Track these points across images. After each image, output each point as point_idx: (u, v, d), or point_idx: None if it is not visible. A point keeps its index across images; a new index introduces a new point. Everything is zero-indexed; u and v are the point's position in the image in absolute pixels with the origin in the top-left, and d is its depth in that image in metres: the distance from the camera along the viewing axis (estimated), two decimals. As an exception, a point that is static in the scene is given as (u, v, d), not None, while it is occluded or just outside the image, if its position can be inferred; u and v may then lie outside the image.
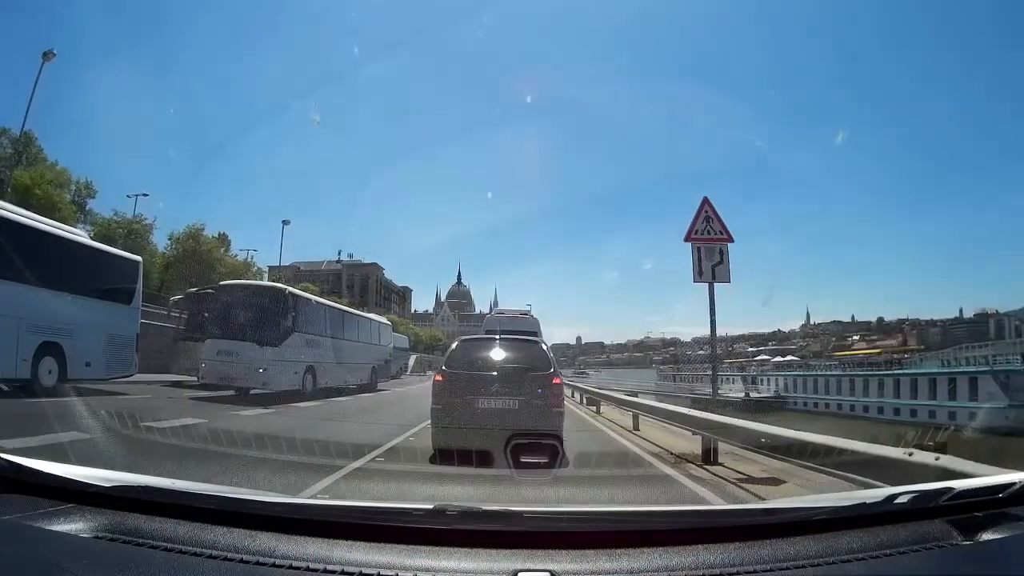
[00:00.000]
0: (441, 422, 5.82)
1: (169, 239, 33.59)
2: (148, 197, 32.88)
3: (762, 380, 41.18)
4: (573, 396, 18.15)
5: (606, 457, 6.78)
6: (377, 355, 21.01)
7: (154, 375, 16.23)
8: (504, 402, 5.70)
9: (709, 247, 7.69)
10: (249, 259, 40.41)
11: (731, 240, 7.83)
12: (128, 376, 12.62)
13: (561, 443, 5.32)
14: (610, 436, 9.17)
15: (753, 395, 36.59)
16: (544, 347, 6.72)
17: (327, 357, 15.97)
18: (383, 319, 25.35)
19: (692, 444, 6.63)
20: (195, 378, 14.66)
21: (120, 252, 13.78)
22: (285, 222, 37.28)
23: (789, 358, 61.39)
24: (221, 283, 15.97)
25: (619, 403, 12.32)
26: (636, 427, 9.71)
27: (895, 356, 39.50)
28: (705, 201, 7.93)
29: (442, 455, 5.25)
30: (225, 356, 13.04)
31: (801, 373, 37.74)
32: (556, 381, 6.12)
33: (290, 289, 15.57)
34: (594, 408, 14.70)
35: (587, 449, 7.22)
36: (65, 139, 61.28)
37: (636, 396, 12.43)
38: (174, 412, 8.19)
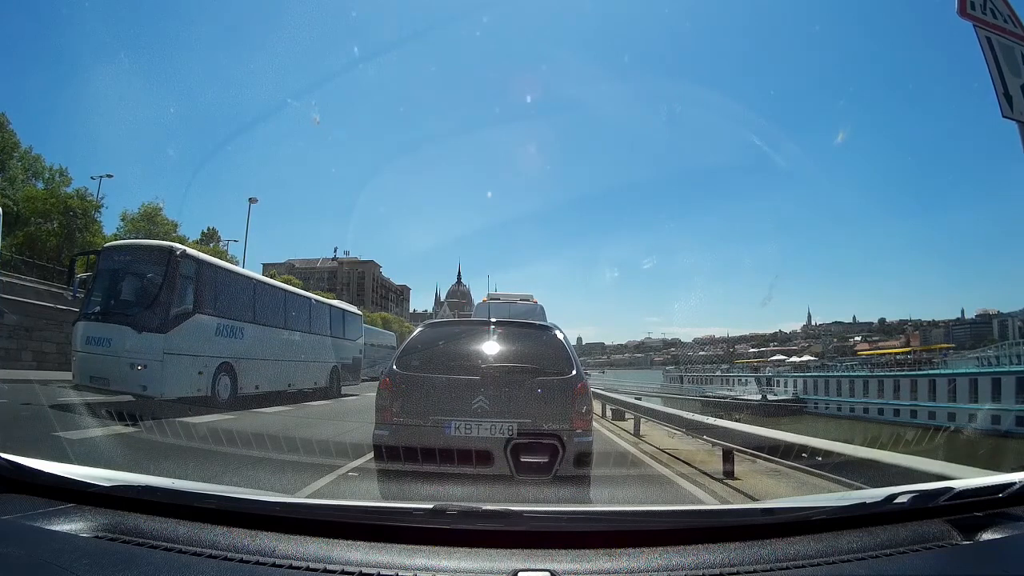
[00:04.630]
0: (389, 458, 4.01)
1: (122, 219, 30.80)
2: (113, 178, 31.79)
3: (778, 381, 41.08)
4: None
5: None
6: (341, 351, 17.62)
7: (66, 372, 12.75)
8: (493, 427, 3.97)
9: (1006, 44, 4.33)
10: (223, 248, 37.37)
11: None
12: None
13: None
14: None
15: (770, 397, 36.55)
16: (560, 336, 4.75)
17: (256, 351, 12.63)
18: (351, 306, 21.02)
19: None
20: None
21: None
22: (252, 200, 33.42)
23: (806, 358, 61.40)
24: (106, 245, 12.68)
25: (691, 428, 7.38)
26: (730, 473, 6.09)
27: (924, 355, 38.91)
28: None
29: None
30: (95, 346, 9.80)
31: (822, 374, 37.53)
32: (580, 389, 4.32)
33: (185, 249, 11.13)
34: (624, 426, 11.17)
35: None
36: (66, 138, 61.92)
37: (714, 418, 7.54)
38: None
